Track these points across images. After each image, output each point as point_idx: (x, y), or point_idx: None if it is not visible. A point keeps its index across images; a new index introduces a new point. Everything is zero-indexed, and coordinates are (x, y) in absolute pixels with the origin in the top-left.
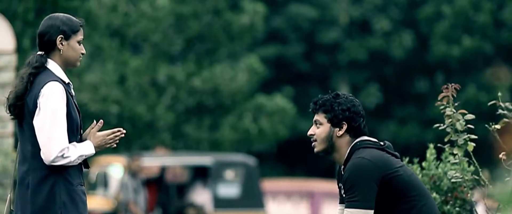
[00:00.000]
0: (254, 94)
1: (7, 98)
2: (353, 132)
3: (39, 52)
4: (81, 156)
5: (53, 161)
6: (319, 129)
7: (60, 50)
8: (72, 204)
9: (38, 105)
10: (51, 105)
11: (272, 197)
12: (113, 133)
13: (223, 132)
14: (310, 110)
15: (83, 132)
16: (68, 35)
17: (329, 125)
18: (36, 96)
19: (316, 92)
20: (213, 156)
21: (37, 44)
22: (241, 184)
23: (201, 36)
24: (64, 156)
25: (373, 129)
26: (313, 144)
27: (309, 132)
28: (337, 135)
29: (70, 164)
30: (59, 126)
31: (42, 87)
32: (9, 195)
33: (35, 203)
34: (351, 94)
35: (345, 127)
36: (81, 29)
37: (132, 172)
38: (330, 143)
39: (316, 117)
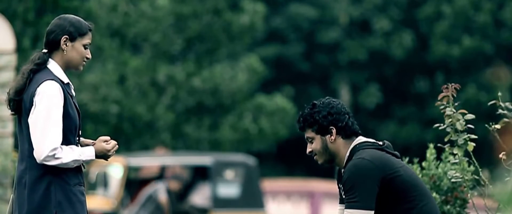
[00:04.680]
0: (254, 94)
1: (8, 93)
2: (344, 132)
3: (43, 50)
4: (76, 160)
5: (44, 160)
6: (314, 144)
7: (63, 50)
8: (68, 203)
9: (33, 103)
10: (46, 104)
11: (272, 197)
12: (113, 146)
13: (223, 132)
14: (298, 129)
15: (81, 134)
16: (74, 37)
17: (319, 136)
18: (32, 95)
19: (316, 92)
20: (213, 156)
21: (44, 42)
22: (241, 184)
23: (201, 36)
24: (56, 156)
25: (373, 129)
26: (315, 158)
27: (308, 150)
28: (330, 141)
29: (63, 166)
30: (52, 125)
31: (38, 86)
32: (12, 195)
33: (31, 202)
34: (328, 97)
35: (334, 131)
36: (89, 33)
37: (169, 191)
38: (328, 152)
39: (306, 135)
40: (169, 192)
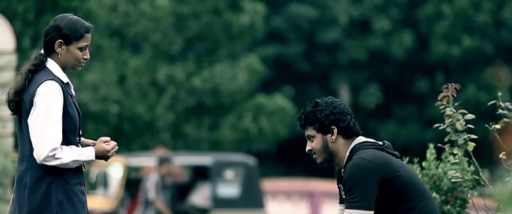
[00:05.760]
0: (254, 94)
1: (7, 94)
2: (345, 132)
3: (41, 51)
4: (76, 160)
5: (44, 160)
6: (314, 142)
7: (58, 53)
8: (69, 203)
9: (33, 104)
10: (46, 104)
11: (272, 197)
12: (113, 147)
13: (223, 132)
14: (298, 127)
15: (82, 134)
16: (69, 41)
17: (320, 134)
18: (32, 95)
19: (316, 92)
20: (213, 156)
21: (43, 41)
22: (241, 184)
23: (201, 36)
24: (56, 156)
25: (373, 129)
26: (313, 157)
27: (307, 148)
28: (331, 141)
29: (63, 166)
30: (52, 125)
31: (38, 86)
32: (12, 195)
33: (32, 202)
34: (331, 97)
35: (335, 131)
36: (86, 35)
37: (161, 176)
38: (328, 151)
39: (307, 132)
40: (162, 181)
